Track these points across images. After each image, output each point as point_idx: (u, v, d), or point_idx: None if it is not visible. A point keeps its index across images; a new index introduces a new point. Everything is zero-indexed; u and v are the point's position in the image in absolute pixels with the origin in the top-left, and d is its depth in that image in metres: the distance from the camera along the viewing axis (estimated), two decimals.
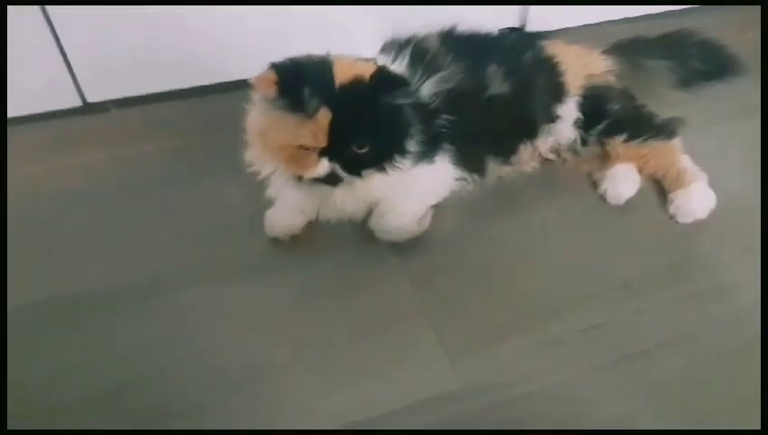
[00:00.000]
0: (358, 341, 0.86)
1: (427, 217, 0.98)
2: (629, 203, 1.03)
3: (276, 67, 0.83)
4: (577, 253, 0.98)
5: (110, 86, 1.16)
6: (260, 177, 0.96)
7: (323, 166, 0.85)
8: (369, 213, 0.97)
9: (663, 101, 1.14)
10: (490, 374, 0.82)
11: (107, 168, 1.09)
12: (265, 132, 0.87)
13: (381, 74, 0.85)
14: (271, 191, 0.98)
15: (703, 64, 1.16)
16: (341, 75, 0.83)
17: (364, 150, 0.85)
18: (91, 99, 1.16)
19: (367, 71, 0.84)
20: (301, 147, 0.84)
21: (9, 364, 0.72)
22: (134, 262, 0.94)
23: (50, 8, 1.03)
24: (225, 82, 1.20)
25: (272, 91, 0.81)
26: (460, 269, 0.95)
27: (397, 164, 0.90)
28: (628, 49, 1.15)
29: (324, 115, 0.82)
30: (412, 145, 0.91)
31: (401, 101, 0.87)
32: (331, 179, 0.88)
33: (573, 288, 0.92)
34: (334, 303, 0.90)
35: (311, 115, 0.81)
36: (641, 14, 1.41)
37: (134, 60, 1.12)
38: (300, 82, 0.82)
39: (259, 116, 0.88)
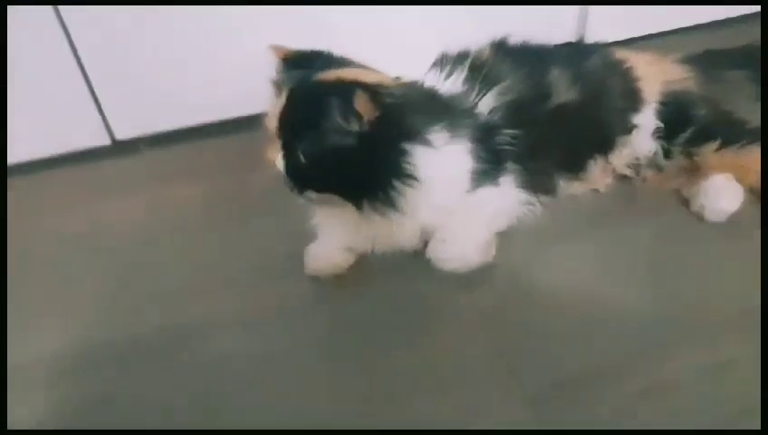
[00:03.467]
0: (421, 390, 0.71)
1: (492, 245, 0.85)
2: (732, 220, 0.87)
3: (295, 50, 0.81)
4: (678, 280, 0.81)
5: (140, 123, 1.10)
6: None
7: (279, 159, 0.77)
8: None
9: (746, 114, 0.98)
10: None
11: (140, 213, 1.00)
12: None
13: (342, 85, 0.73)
14: (315, 221, 0.88)
15: None
16: (327, 74, 0.76)
17: (304, 163, 0.74)
18: (120, 136, 1.09)
19: (368, 77, 0.75)
20: (273, 130, 0.77)
21: None
22: (164, 309, 0.83)
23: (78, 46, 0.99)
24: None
25: (280, 58, 0.80)
26: (537, 304, 0.80)
27: (377, 208, 0.76)
28: (702, 60, 1.02)
29: (283, 99, 0.75)
30: (397, 190, 0.74)
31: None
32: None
33: (682, 321, 0.76)
34: (391, 346, 0.76)
35: (279, 95, 0.76)
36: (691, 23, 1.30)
37: (162, 95, 1.07)
38: (297, 63, 0.79)
39: None
